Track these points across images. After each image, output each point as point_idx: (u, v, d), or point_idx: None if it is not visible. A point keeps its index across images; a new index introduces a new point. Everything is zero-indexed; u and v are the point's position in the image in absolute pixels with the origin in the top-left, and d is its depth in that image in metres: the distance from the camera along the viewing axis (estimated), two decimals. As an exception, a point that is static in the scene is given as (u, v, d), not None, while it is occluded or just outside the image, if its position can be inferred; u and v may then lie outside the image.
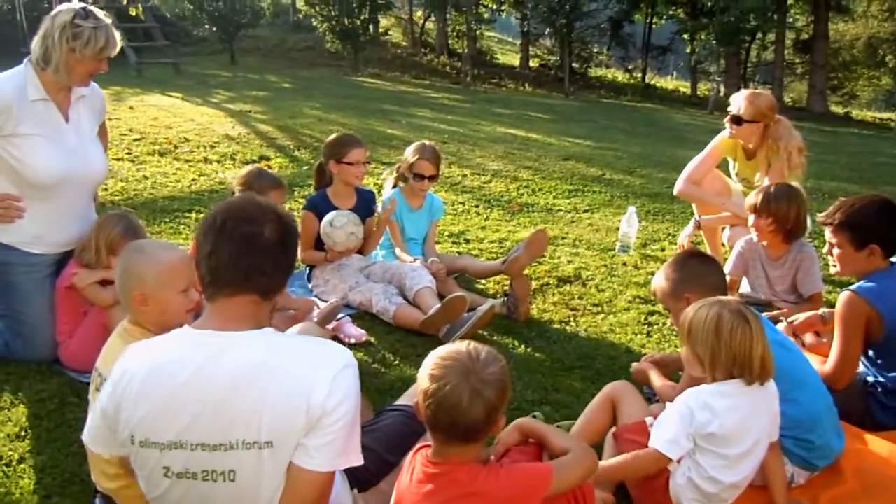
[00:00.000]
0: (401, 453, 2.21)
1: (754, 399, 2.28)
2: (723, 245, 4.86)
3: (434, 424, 1.90)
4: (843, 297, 2.87)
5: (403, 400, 2.56)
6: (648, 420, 2.41)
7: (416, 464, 1.99)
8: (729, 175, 4.88)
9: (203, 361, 1.72)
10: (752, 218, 3.72)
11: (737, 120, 4.51)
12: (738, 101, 4.51)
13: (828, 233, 3.05)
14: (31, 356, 3.33)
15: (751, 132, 4.52)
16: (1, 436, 2.82)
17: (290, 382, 1.70)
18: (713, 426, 2.22)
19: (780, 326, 3.24)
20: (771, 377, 2.30)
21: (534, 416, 2.96)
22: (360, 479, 2.18)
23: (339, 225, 4.00)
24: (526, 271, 4.20)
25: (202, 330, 1.78)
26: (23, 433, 2.84)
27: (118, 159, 7.08)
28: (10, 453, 2.71)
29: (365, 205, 4.37)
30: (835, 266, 3.08)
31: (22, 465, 2.65)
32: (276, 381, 1.70)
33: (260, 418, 1.69)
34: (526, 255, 4.08)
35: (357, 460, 1.83)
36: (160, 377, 1.74)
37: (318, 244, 4.15)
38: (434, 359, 1.92)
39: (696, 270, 2.67)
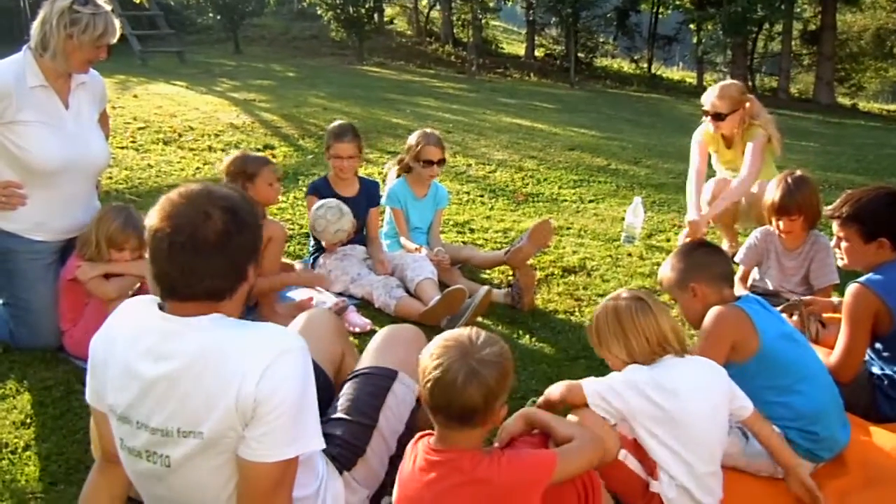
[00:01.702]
0: (374, 411, 2.24)
1: (693, 370, 2.27)
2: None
3: (433, 405, 1.91)
4: (851, 289, 2.86)
5: (359, 366, 2.48)
6: (622, 454, 2.29)
7: (417, 451, 2.00)
8: (711, 167, 5.04)
9: (152, 344, 1.72)
10: (781, 223, 3.67)
11: (718, 116, 4.69)
12: (711, 99, 4.72)
13: (835, 226, 3.03)
14: (35, 344, 3.33)
15: (733, 122, 4.71)
16: (6, 423, 2.83)
17: (224, 373, 1.66)
18: (672, 402, 2.19)
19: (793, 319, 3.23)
20: (686, 347, 2.29)
21: (532, 402, 2.95)
22: (341, 458, 2.15)
23: (321, 213, 3.98)
24: (530, 261, 4.19)
25: (163, 313, 1.76)
26: (28, 420, 2.85)
27: (122, 148, 7.06)
28: (16, 440, 2.72)
29: (367, 194, 4.38)
30: (842, 259, 3.07)
31: (27, 453, 2.66)
32: (212, 371, 1.67)
33: (194, 409, 1.68)
34: (529, 245, 4.06)
35: (315, 445, 1.79)
36: (118, 348, 1.77)
37: None
38: (437, 341, 1.95)
39: (702, 260, 2.66)
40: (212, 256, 1.71)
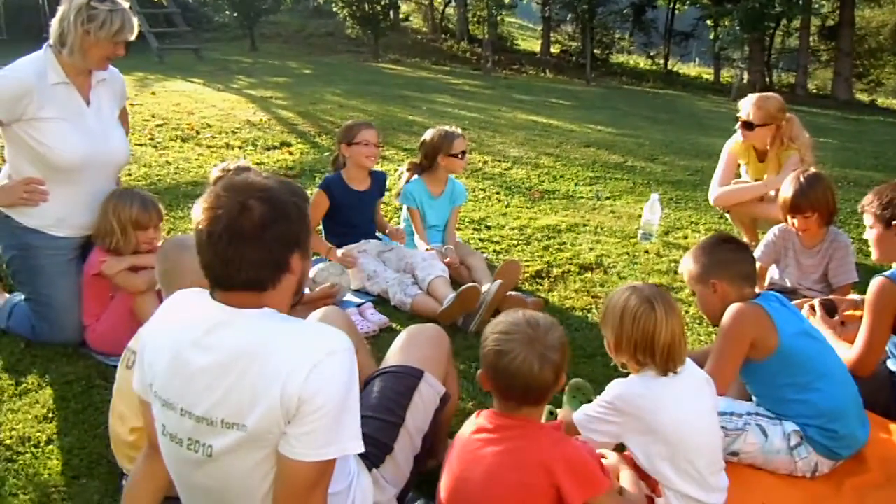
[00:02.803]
0: (402, 409, 2.27)
1: (675, 390, 2.23)
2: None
3: (507, 393, 2.01)
4: (875, 282, 2.82)
5: (384, 364, 2.50)
6: (624, 474, 2.31)
7: (478, 420, 2.08)
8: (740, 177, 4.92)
9: (202, 333, 1.73)
10: (795, 220, 3.65)
11: (748, 125, 4.57)
12: (747, 107, 4.58)
13: (866, 218, 3.01)
14: (57, 339, 3.37)
15: (763, 135, 4.58)
16: (29, 417, 2.86)
17: (270, 369, 1.66)
18: (659, 415, 2.19)
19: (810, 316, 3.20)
20: (679, 366, 2.24)
21: (550, 413, 2.91)
22: (370, 456, 2.16)
23: (323, 267, 3.89)
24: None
25: (216, 302, 1.76)
26: (50, 415, 2.89)
27: (141, 145, 7.12)
28: (38, 434, 2.76)
29: (378, 186, 4.45)
30: (874, 252, 3.04)
31: (50, 447, 2.69)
32: (259, 365, 1.67)
33: (239, 401, 1.68)
34: (501, 289, 3.86)
35: (354, 448, 1.78)
36: (170, 336, 1.79)
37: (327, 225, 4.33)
38: (494, 335, 2.01)
39: (726, 258, 2.63)
40: (248, 247, 1.70)
